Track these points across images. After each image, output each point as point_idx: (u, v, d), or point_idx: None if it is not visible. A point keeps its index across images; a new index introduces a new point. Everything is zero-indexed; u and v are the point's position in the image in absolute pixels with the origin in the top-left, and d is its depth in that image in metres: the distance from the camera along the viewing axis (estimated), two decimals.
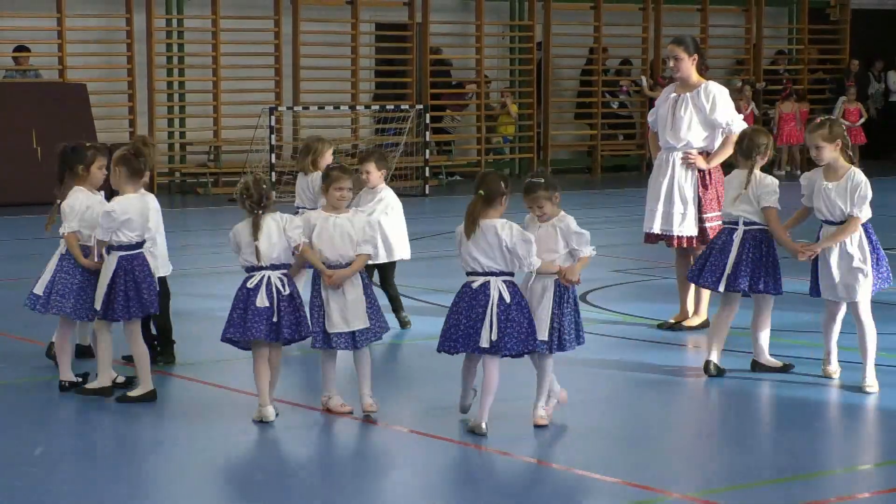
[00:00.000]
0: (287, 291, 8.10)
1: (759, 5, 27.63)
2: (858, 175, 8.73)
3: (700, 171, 10.58)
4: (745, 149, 9.21)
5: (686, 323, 10.76)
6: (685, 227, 10.58)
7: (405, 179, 22.07)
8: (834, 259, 8.72)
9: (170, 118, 22.92)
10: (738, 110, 11.46)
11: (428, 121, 22.36)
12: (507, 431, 7.89)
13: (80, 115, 20.49)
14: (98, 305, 8.56)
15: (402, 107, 22.89)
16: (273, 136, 21.11)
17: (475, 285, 7.80)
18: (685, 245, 10.66)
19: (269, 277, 8.08)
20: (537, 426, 7.92)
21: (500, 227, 7.78)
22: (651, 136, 11.13)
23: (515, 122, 25.28)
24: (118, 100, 22.19)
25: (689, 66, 10.63)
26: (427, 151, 22.28)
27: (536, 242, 7.82)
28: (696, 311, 10.78)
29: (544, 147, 25.66)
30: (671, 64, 10.70)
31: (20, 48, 21.56)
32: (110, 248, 8.56)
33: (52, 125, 20.14)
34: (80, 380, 8.82)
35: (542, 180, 7.98)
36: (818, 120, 8.90)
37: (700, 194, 10.58)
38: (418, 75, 24.32)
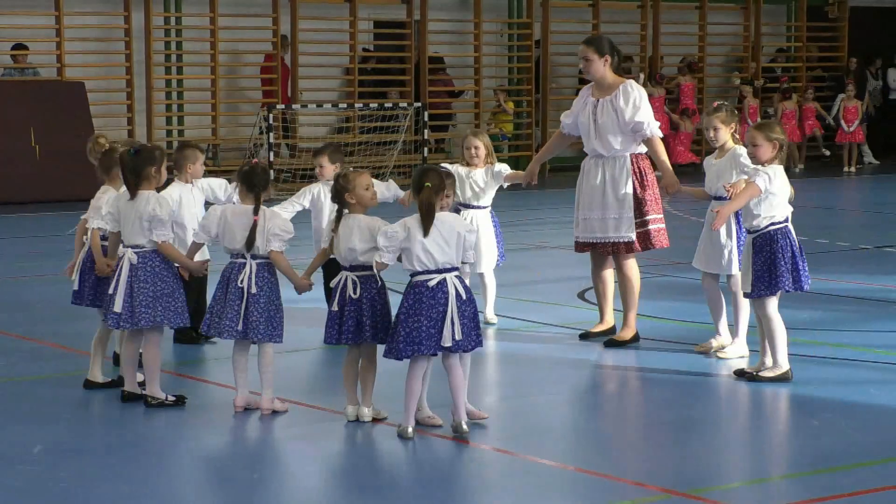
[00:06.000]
0: (357, 295, 7.89)
1: (758, 3, 27.62)
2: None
3: (636, 172, 10.05)
4: None
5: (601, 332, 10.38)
6: (622, 230, 10.03)
7: (403, 177, 22.05)
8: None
9: (168, 116, 22.91)
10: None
11: (426, 118, 22.35)
12: (506, 430, 7.91)
13: (78, 113, 20.49)
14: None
15: (401, 104, 22.88)
16: (271, 135, 21.10)
17: (432, 283, 7.66)
18: (623, 251, 10.08)
19: (346, 279, 7.93)
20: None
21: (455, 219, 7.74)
22: (558, 136, 10.58)
23: (512, 119, 25.27)
24: (116, 98, 22.19)
25: (601, 68, 10.04)
26: (425, 149, 22.28)
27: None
28: (602, 320, 10.37)
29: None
30: (581, 65, 10.14)
31: (18, 46, 21.54)
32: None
33: (51, 123, 20.14)
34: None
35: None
36: (715, 104, 9.73)
37: (640, 196, 10.04)
38: (416, 73, 24.31)
